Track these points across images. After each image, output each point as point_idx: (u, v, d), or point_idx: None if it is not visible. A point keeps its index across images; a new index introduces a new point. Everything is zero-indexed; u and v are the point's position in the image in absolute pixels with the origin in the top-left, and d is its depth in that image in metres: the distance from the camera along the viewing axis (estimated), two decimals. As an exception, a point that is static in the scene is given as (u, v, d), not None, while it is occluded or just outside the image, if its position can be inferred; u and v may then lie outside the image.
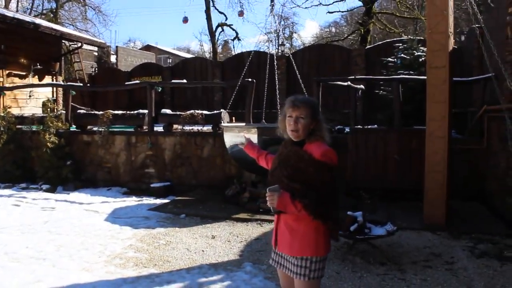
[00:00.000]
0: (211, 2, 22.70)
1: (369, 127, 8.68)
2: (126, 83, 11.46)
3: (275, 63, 9.74)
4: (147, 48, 41.50)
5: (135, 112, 9.99)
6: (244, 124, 9.06)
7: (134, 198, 8.54)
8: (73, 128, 10.66)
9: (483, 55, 9.65)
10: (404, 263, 4.81)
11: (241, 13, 24.31)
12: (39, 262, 4.81)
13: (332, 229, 2.57)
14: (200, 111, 9.48)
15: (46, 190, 9.25)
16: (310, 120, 2.58)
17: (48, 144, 9.68)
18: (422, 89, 9.84)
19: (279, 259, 2.71)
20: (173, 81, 10.89)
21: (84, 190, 9.31)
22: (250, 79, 9.22)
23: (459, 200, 7.50)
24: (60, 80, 16.23)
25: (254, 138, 7.17)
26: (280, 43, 21.16)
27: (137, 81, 11.30)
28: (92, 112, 10.61)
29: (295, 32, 36.81)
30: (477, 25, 9.74)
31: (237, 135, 7.58)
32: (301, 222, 2.52)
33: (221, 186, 8.90)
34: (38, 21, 16.20)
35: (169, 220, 6.71)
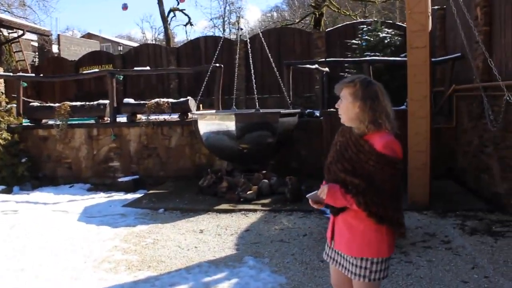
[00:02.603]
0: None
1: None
2: (85, 71, 10.78)
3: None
4: (88, 36, 39.74)
5: (95, 103, 9.42)
6: (215, 111, 8.77)
7: (102, 194, 8.07)
8: (26, 122, 9.90)
9: (445, 35, 9.91)
10: (404, 245, 4.76)
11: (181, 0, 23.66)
12: (18, 274, 4.30)
13: (394, 229, 2.31)
14: (166, 100, 9.08)
15: (2, 192, 8.52)
16: (353, 102, 2.27)
17: (0, 141, 8.95)
18: (387, 70, 9.99)
19: (335, 255, 2.45)
20: (135, 68, 10.33)
21: (44, 189, 8.71)
22: (217, 64, 8.88)
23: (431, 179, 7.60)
24: (1, 71, 15.11)
25: (231, 125, 6.92)
26: (238, 27, 20.77)
27: (96, 70, 10.66)
28: (47, 105, 9.90)
29: (242, 17, 36.40)
30: (438, 7, 9.92)
31: (213, 123, 7.30)
32: (361, 220, 2.25)
33: (191, 176, 8.61)
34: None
35: (148, 216, 6.34)
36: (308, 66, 9.92)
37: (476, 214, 5.87)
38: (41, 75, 14.39)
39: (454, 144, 8.21)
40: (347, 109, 2.30)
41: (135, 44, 37.47)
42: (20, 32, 15.85)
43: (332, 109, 8.94)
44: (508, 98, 5.49)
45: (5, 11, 23.15)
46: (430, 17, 6.44)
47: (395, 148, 2.23)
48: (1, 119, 9.26)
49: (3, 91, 13.18)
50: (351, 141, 2.30)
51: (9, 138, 9.08)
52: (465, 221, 5.62)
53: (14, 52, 18.23)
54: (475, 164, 7.21)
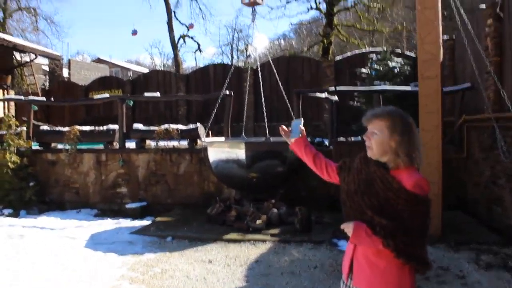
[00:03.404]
0: (173, 13, 22.27)
1: (352, 139, 8.59)
2: (95, 96, 10.84)
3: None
4: (98, 61, 40.29)
5: (105, 128, 9.43)
6: (224, 138, 8.75)
7: (110, 220, 7.99)
8: (35, 145, 9.92)
9: (454, 65, 9.94)
10: (418, 280, 4.62)
11: (191, 26, 24.04)
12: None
13: (419, 268, 2.21)
14: (175, 126, 9.07)
15: (9, 215, 8.50)
16: (389, 136, 2.18)
17: (9, 164, 8.95)
18: (397, 100, 9.99)
19: None
20: (145, 94, 10.38)
21: (51, 214, 8.65)
22: (227, 92, 8.91)
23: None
24: (12, 94, 15.29)
25: (241, 153, 6.89)
26: (247, 55, 21.00)
27: (106, 95, 10.71)
28: (57, 129, 9.92)
29: (250, 45, 36.84)
30: (447, 37, 9.98)
31: (222, 151, 7.27)
32: (383, 258, 2.15)
33: (199, 204, 8.54)
34: (-14, 32, 15.23)
35: (156, 244, 6.26)
36: (317, 94, 9.91)
37: (490, 248, 5.75)
38: (52, 99, 14.52)
39: (464, 174, 8.12)
40: (382, 143, 2.20)
41: (144, 70, 37.94)
42: (33, 56, 16.05)
43: (342, 139, 8.95)
44: (521, 130, 5.46)
45: (19, 35, 23.60)
46: (442, 47, 6.46)
47: (424, 186, 2.14)
48: (11, 142, 9.28)
49: (14, 114, 13.31)
50: (377, 175, 2.20)
51: (18, 161, 9.09)
52: (480, 255, 5.50)
53: (26, 76, 18.45)
54: (487, 195, 7.12)
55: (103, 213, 8.77)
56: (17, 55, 17.96)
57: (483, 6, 7.50)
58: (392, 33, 20.67)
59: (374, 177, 2.21)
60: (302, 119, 2.69)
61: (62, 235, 6.92)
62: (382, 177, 2.18)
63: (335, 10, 18.04)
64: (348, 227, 2.15)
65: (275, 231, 6.70)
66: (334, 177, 2.55)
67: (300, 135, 2.66)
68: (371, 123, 2.24)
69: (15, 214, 8.59)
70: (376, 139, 2.20)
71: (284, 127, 2.71)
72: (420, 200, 2.11)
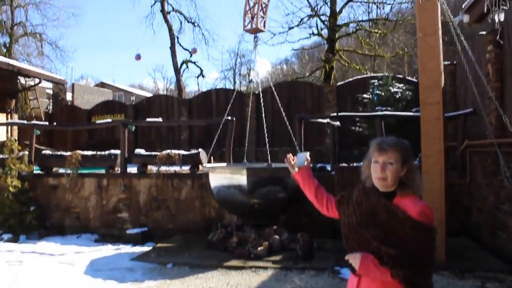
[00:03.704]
0: (176, 39, 22.52)
1: (354, 165, 8.56)
2: (98, 121, 10.88)
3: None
4: (101, 85, 40.61)
5: (107, 152, 9.44)
6: (226, 164, 8.72)
7: (110, 246, 7.92)
8: (37, 169, 9.91)
9: (456, 90, 9.97)
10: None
11: (194, 51, 24.31)
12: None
13: None
14: (177, 151, 9.07)
15: (8, 240, 8.43)
16: (401, 166, 2.22)
17: (10, 188, 8.92)
18: (399, 125, 10.00)
19: None
20: (148, 119, 10.42)
21: (51, 239, 8.58)
22: (229, 117, 8.93)
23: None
24: (16, 118, 15.37)
25: (243, 179, 6.85)
26: (249, 80, 21.16)
27: (109, 120, 10.76)
28: (59, 153, 9.92)
29: (253, 69, 37.13)
30: (448, 63, 10.04)
31: (224, 177, 7.24)
32: (388, 286, 2.13)
33: (200, 230, 8.47)
34: (-8, 56, 15.40)
35: (156, 271, 6.18)
36: (319, 120, 9.93)
37: (496, 276, 5.66)
38: (55, 123, 14.57)
39: (468, 199, 8.06)
40: (397, 173, 2.22)
41: (147, 94, 38.22)
42: (37, 80, 16.17)
43: (344, 164, 8.92)
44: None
45: (25, 60, 23.88)
46: (443, 74, 6.49)
47: (429, 214, 2.15)
48: (13, 167, 9.27)
49: (17, 138, 13.35)
50: (380, 205, 2.20)
51: (20, 186, 9.07)
52: (485, 283, 5.41)
53: (30, 100, 18.57)
54: (491, 221, 7.04)
55: (103, 238, 8.70)
56: (22, 79, 18.14)
57: (483, 32, 7.57)
58: (393, 58, 20.85)
59: (377, 208, 2.21)
60: (308, 152, 2.69)
61: (62, 261, 6.85)
62: (386, 207, 2.18)
63: (336, 36, 18.23)
64: (354, 258, 2.13)
65: (276, 257, 6.62)
66: (333, 212, 2.54)
67: (305, 164, 2.65)
68: (385, 155, 2.24)
69: (15, 239, 8.53)
70: (392, 170, 2.21)
71: (290, 156, 2.71)
72: (426, 228, 2.11)
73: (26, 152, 10.02)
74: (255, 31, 7.82)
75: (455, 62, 10.08)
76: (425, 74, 6.33)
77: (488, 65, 7.25)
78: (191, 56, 23.78)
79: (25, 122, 11.77)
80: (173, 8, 23.10)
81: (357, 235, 2.23)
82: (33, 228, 8.95)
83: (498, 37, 6.62)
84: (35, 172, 9.76)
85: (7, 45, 23.62)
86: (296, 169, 2.68)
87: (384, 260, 2.08)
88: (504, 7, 6.62)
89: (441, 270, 5.88)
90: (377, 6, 19.41)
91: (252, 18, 7.67)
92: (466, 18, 6.85)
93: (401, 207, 2.16)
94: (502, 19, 6.75)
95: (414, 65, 19.69)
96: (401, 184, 2.23)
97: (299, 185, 2.72)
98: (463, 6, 7.05)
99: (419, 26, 6.53)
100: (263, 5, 7.84)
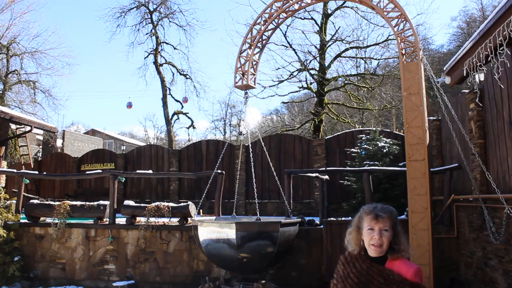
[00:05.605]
0: (168, 90, 22.93)
1: (342, 219, 8.63)
2: (87, 171, 10.90)
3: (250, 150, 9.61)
4: (92, 132, 40.73)
5: (95, 203, 9.42)
6: (215, 217, 8.74)
7: (95, 300, 7.78)
8: (24, 218, 9.81)
9: (442, 145, 10.20)
10: None
11: (185, 100, 24.71)
12: None
13: None
14: (166, 203, 9.09)
15: (-11, 292, 8.26)
16: (392, 231, 2.31)
17: (-5, 238, 8.81)
18: (386, 179, 10.15)
19: None
20: (138, 171, 10.48)
21: (34, 291, 8.41)
22: (219, 171, 9.02)
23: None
24: (4, 165, 15.30)
25: (232, 233, 6.87)
26: (239, 132, 21.43)
27: (98, 170, 10.79)
28: (47, 203, 9.87)
29: (243, 120, 37.59)
30: (433, 118, 10.33)
31: (213, 231, 7.24)
32: None
33: (188, 283, 8.40)
34: (-15, 103, 15.51)
35: (141, 327, 6.07)
36: (309, 174, 10.08)
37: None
38: (44, 172, 14.54)
39: (456, 254, 8.09)
40: (389, 240, 2.31)
41: (137, 142, 38.33)
42: (28, 128, 16.20)
43: (332, 218, 8.98)
44: (509, 212, 5.53)
45: (17, 107, 24.05)
46: (428, 131, 6.69)
47: (421, 275, 2.24)
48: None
49: (4, 185, 13.27)
50: (373, 271, 2.26)
51: (5, 235, 8.96)
52: None
53: (19, 146, 18.54)
54: (480, 277, 7.05)
55: (88, 291, 8.54)
56: (13, 126, 18.18)
57: (465, 91, 7.84)
58: (381, 111, 21.32)
59: (370, 275, 2.26)
60: None
61: (45, 315, 6.70)
62: (380, 273, 2.25)
63: (325, 89, 18.72)
64: None
65: (264, 314, 6.54)
66: None
67: None
68: (381, 222, 2.31)
69: (-4, 291, 8.35)
70: (387, 236, 2.30)
71: None
72: None
73: (14, 201, 9.96)
74: (245, 87, 8.07)
75: (439, 117, 10.37)
76: (410, 131, 6.53)
77: (471, 122, 7.48)
78: (182, 107, 24.16)
79: (15, 171, 11.75)
80: (165, 61, 23.63)
81: None
82: (16, 279, 8.80)
83: (478, 99, 6.88)
84: (21, 221, 9.66)
85: (1, 92, 23.83)
86: None
87: None
88: (483, 69, 6.93)
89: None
90: (365, 61, 20.06)
91: (243, 75, 7.93)
92: (448, 80, 7.13)
93: (395, 270, 2.23)
94: (482, 78, 7.04)
95: (402, 118, 20.12)
96: (390, 248, 2.30)
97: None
98: (444, 68, 7.36)
99: (403, 85, 6.81)
100: (254, 63, 8.13)
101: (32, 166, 17.25)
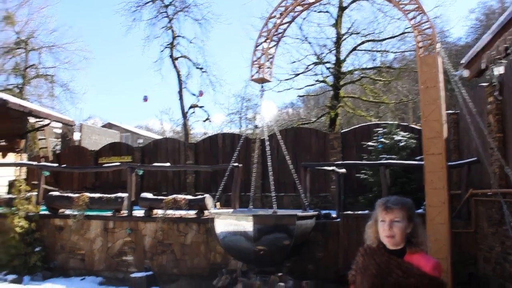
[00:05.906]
0: (184, 83, 22.98)
1: (359, 212, 8.62)
2: (105, 164, 11.05)
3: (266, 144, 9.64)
4: (109, 126, 41.07)
5: (113, 195, 9.56)
6: (232, 210, 8.81)
7: (114, 290, 7.92)
8: (44, 210, 10.00)
9: (459, 139, 10.11)
10: None
11: (200, 94, 24.73)
12: None
13: None
14: (183, 196, 9.18)
15: (13, 281, 8.46)
16: (407, 223, 2.33)
17: (17, 229, 9.01)
18: (403, 173, 10.11)
19: None
20: (155, 164, 10.59)
21: (55, 280, 8.61)
22: (236, 164, 9.07)
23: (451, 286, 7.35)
24: (25, 158, 15.57)
25: (249, 226, 6.93)
26: (255, 125, 21.42)
27: (116, 163, 10.94)
28: (66, 195, 10.05)
29: (258, 114, 37.44)
30: (451, 111, 10.23)
31: (230, 223, 7.31)
32: None
33: (205, 275, 8.47)
34: (5, 96, 15.73)
35: (160, 317, 6.18)
36: (325, 168, 10.07)
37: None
38: (63, 165, 14.75)
39: (474, 249, 8.03)
40: (404, 230, 2.33)
41: (154, 135, 38.51)
42: (47, 121, 16.45)
43: (349, 212, 8.98)
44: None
45: (36, 100, 24.43)
46: (445, 124, 6.64)
47: (440, 269, 2.26)
48: (20, 207, 9.39)
49: (26, 177, 13.50)
50: (392, 264, 2.28)
51: (26, 226, 9.16)
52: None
53: (38, 139, 18.84)
54: (499, 272, 6.99)
55: (108, 282, 8.71)
56: (31, 119, 18.47)
57: (483, 84, 7.76)
58: (397, 104, 21.11)
59: (389, 267, 2.28)
60: None
61: (66, 304, 6.85)
62: (399, 266, 2.27)
63: (341, 83, 18.60)
64: None
65: (281, 306, 6.60)
66: None
67: None
68: (391, 213, 2.34)
69: (19, 280, 8.55)
70: (399, 227, 2.32)
71: None
72: (440, 283, 2.23)
73: (34, 193, 10.14)
74: (261, 80, 8.09)
75: (457, 111, 10.26)
76: (427, 125, 6.50)
77: (489, 116, 7.40)
78: (198, 100, 24.15)
79: (34, 163, 11.95)
80: (181, 54, 23.65)
81: None
82: (37, 269, 8.98)
83: (497, 93, 6.80)
84: (42, 212, 9.86)
85: (20, 86, 24.20)
86: None
87: None
88: (501, 61, 6.83)
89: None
90: (381, 54, 19.86)
91: (259, 68, 7.95)
92: (466, 73, 7.08)
93: (414, 263, 2.25)
94: (501, 71, 6.95)
95: (419, 111, 19.93)
96: (408, 241, 2.32)
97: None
98: (462, 62, 7.29)
99: (420, 79, 6.76)
100: (270, 56, 8.14)
101: (51, 159, 17.53)
